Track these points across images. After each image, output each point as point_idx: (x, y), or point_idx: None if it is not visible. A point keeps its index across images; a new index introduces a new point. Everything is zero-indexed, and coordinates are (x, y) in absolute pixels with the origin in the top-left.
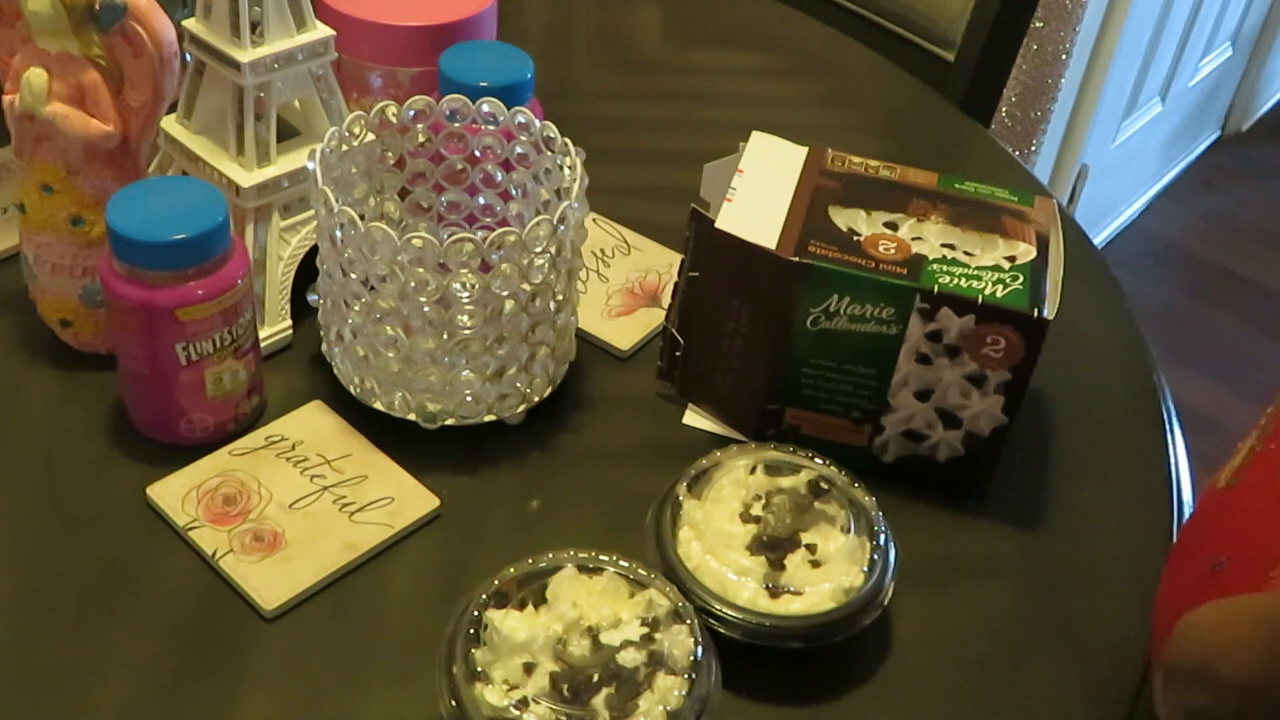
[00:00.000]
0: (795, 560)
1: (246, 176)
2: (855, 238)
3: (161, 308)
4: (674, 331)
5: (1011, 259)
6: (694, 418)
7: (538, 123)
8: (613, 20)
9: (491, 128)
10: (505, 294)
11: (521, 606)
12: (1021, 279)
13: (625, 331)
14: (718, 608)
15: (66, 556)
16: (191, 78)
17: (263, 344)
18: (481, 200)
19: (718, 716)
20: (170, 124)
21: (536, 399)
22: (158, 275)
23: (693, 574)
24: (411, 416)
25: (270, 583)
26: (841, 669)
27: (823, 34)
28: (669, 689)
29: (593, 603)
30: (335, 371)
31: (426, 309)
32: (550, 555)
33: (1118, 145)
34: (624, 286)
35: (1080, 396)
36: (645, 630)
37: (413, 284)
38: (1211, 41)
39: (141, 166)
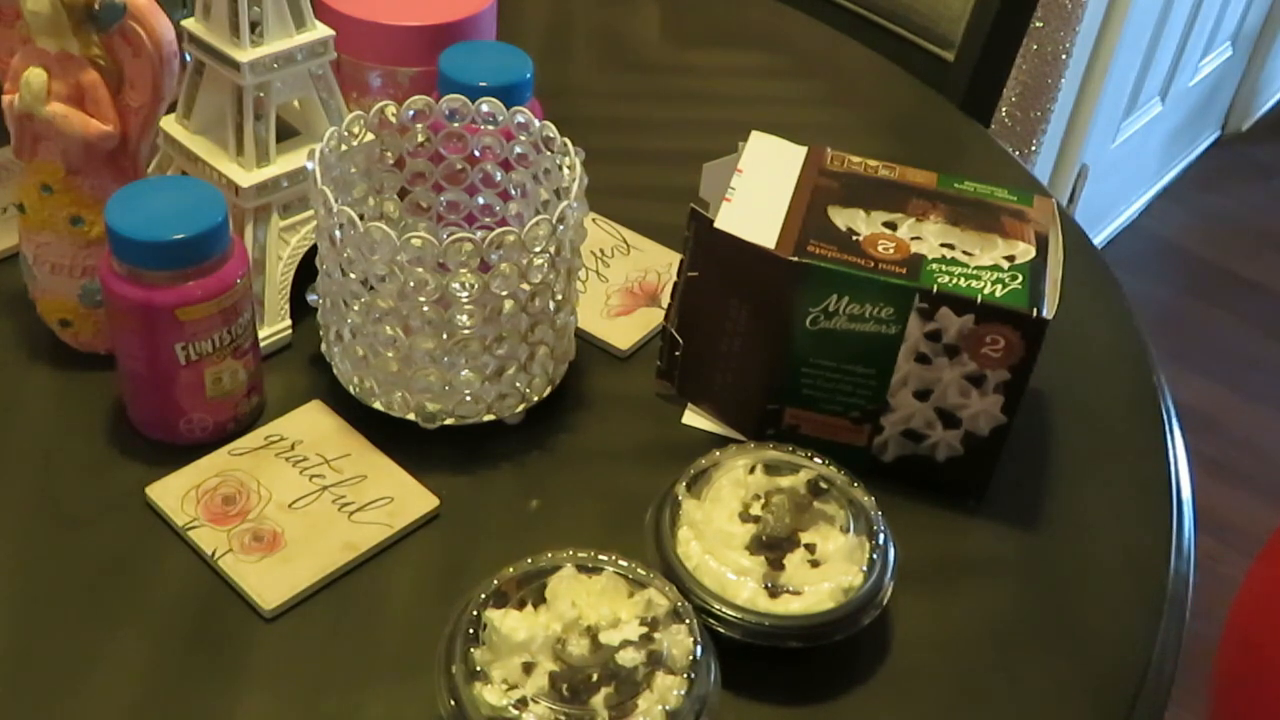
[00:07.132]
0: (794, 560)
1: (246, 176)
2: (854, 237)
3: (160, 308)
4: (673, 331)
5: (1011, 258)
6: (693, 417)
7: (537, 122)
8: (613, 20)
9: (491, 127)
10: (504, 294)
11: (521, 606)
12: (1020, 278)
13: (625, 331)
14: (717, 607)
15: (66, 556)
16: (191, 77)
17: (262, 344)
18: (481, 200)
19: (717, 716)
20: (170, 124)
21: (536, 399)
22: (157, 275)
23: (692, 574)
24: (411, 416)
25: (270, 582)
26: (841, 669)
27: (823, 34)
28: (668, 689)
29: (592, 602)
30: (334, 371)
31: (426, 309)
32: (549, 555)
33: (1118, 145)
34: (623, 286)
35: (1080, 396)
36: (644, 630)
37: (412, 284)
38: (1211, 41)
39: (141, 166)
